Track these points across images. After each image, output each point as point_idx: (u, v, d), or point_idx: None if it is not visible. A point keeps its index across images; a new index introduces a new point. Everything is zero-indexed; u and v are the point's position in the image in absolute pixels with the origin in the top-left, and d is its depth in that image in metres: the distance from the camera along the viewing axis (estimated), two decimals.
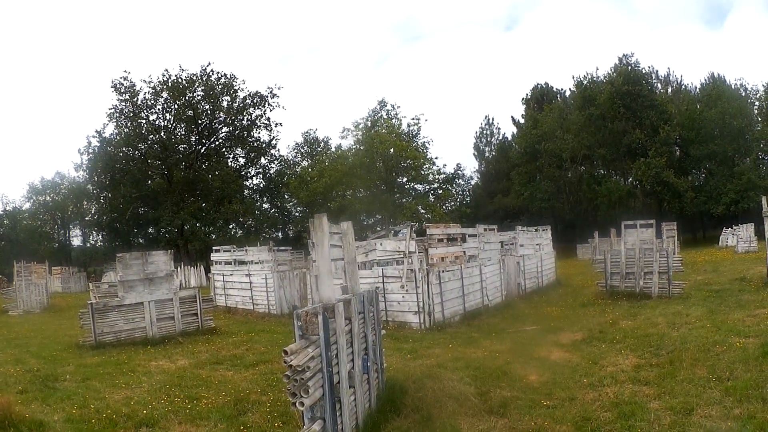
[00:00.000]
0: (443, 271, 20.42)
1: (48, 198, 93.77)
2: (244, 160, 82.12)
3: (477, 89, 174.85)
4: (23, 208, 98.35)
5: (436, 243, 20.77)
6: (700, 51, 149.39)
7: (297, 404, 6.30)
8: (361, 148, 68.69)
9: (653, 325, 15.59)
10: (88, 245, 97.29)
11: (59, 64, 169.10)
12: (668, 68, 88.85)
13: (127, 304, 19.28)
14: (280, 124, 76.58)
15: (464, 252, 22.55)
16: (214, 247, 34.39)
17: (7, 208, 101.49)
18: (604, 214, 70.62)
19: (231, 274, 30.86)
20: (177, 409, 10.28)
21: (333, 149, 78.26)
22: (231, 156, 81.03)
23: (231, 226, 79.05)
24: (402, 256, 20.15)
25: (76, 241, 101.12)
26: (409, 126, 71.51)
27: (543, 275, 30.63)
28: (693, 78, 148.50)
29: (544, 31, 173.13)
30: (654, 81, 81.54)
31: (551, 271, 32.69)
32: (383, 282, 20.65)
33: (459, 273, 21.42)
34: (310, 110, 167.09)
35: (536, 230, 31.55)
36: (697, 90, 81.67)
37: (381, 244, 21.12)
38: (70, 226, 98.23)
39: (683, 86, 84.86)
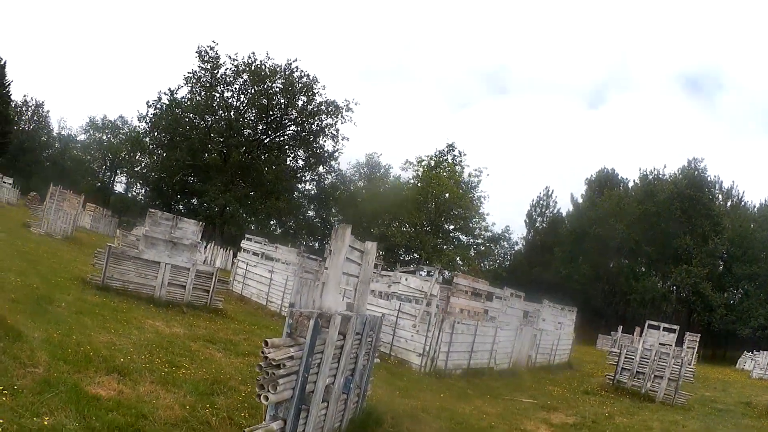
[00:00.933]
0: (458, 322, 20.30)
1: (104, 137, 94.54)
2: (303, 162, 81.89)
3: (546, 157, 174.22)
4: (78, 138, 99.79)
5: (460, 294, 20.70)
6: None
7: (261, 397, 6.32)
8: (419, 184, 69.03)
9: (647, 429, 15.32)
10: (130, 195, 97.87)
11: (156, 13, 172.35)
12: (732, 181, 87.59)
13: (144, 258, 19.12)
14: (347, 138, 77.03)
15: (485, 310, 22.44)
16: (247, 235, 34.51)
17: (62, 133, 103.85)
18: (633, 311, 69.47)
19: (255, 266, 30.78)
20: (154, 369, 10.24)
21: (392, 177, 78.25)
22: (291, 155, 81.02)
23: (272, 222, 79.14)
24: (422, 296, 20.10)
25: (119, 188, 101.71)
26: (470, 176, 71.58)
27: (556, 354, 30.25)
28: (754, 196, 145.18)
29: (626, 116, 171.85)
30: (716, 191, 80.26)
31: (565, 353, 32.28)
32: (397, 316, 20.66)
33: (473, 329, 21.29)
34: (379, 132, 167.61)
35: (562, 309, 31.25)
36: (756, 209, 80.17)
37: (406, 280, 21.14)
38: (117, 171, 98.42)
39: (743, 202, 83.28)
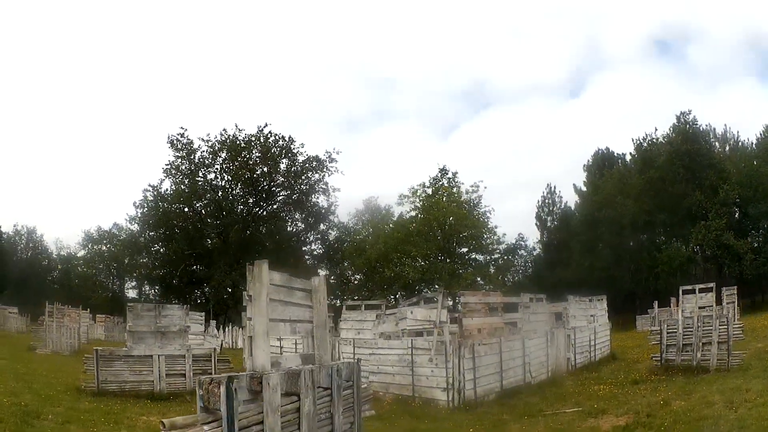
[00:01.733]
0: (478, 344, 18.43)
1: (104, 248, 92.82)
2: (303, 225, 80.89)
3: (541, 157, 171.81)
4: (78, 255, 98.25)
5: (472, 313, 18.84)
6: (756, 106, 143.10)
7: None
8: (420, 216, 67.37)
9: (709, 405, 13.27)
10: (142, 298, 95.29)
11: (121, 117, 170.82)
12: (725, 125, 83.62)
13: (135, 355, 18.29)
14: (338, 189, 75.96)
15: (507, 324, 20.57)
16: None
17: (62, 253, 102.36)
18: (664, 282, 66.52)
19: None
20: None
21: (395, 217, 76.23)
22: (289, 220, 79.95)
23: None
24: (433, 326, 18.25)
25: (132, 293, 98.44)
26: (467, 192, 69.81)
27: (596, 349, 28.03)
28: (749, 133, 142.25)
29: (607, 96, 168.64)
30: (712, 139, 78.23)
31: (605, 344, 30.11)
32: (412, 353, 18.81)
33: (497, 346, 19.35)
34: (374, 176, 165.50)
35: (590, 300, 29.19)
36: (754, 145, 77.62)
37: (412, 312, 19.35)
38: (126, 278, 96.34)
39: (740, 142, 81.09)
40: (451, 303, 19.18)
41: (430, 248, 65.59)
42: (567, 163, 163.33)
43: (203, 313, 48.95)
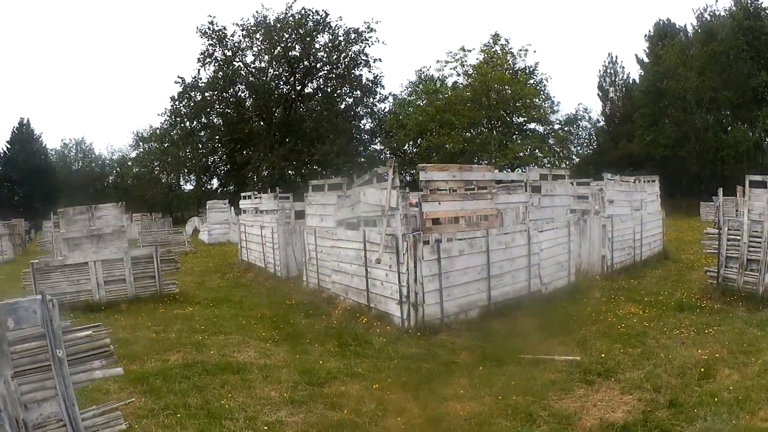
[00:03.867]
0: (448, 240, 13.01)
1: (154, 145, 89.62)
2: (351, 100, 74.98)
3: (599, 24, 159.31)
4: (131, 156, 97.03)
5: (440, 195, 13.45)
6: None
7: None
8: (464, 83, 60.80)
9: None
10: (204, 189, 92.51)
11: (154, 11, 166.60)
12: None
13: (70, 264, 16.45)
14: (380, 59, 69.37)
15: (499, 211, 15.00)
16: (242, 194, 29.24)
17: (114, 157, 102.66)
18: (731, 168, 59.50)
19: (251, 225, 25.84)
20: None
21: (449, 85, 68.90)
22: (337, 97, 73.99)
23: (323, 171, 71.71)
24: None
25: (189, 186, 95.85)
26: (516, 56, 62.52)
27: (642, 245, 22.06)
28: None
29: None
30: None
31: (656, 239, 23.92)
32: (365, 250, 13.67)
33: (482, 243, 13.84)
34: (414, 45, 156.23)
35: (635, 181, 23.01)
36: None
37: (364, 195, 13.96)
38: (179, 173, 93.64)
39: None
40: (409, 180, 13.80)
41: (476, 117, 59.23)
42: (627, 33, 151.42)
43: (226, 201, 45.17)
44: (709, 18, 68.87)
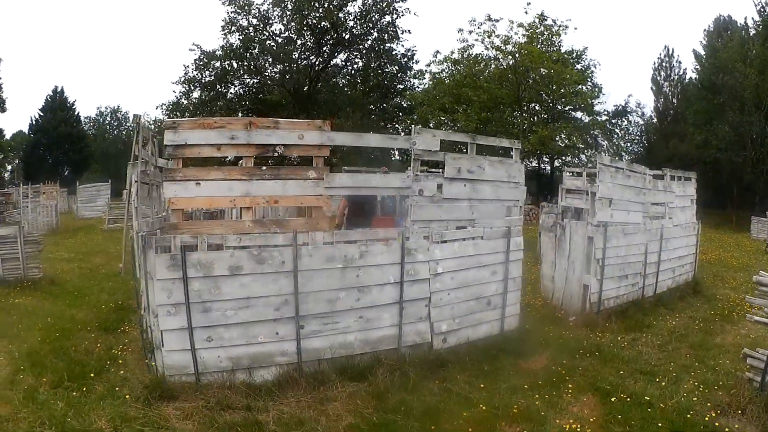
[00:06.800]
0: (212, 248, 7.41)
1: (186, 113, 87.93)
2: (384, 74, 68.02)
3: (656, 14, 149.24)
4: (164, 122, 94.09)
5: (205, 170, 7.53)
6: None
7: None
8: (492, 55, 53.42)
9: None
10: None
11: None
12: None
13: None
14: (409, 31, 62.77)
15: (331, 197, 7.68)
16: None
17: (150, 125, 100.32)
18: None
19: None
20: None
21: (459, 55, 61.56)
22: (369, 70, 67.47)
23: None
24: None
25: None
26: (560, 34, 54.81)
27: (659, 271, 14.08)
28: None
29: None
30: None
31: (684, 264, 15.72)
32: None
33: (285, 256, 7.55)
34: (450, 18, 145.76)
35: (654, 177, 14.69)
36: None
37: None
38: None
39: None
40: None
41: (501, 95, 51.39)
42: (685, 26, 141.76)
43: None
44: None
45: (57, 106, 79.94)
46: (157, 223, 7.95)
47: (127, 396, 6.90)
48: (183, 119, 8.62)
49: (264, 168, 7.49)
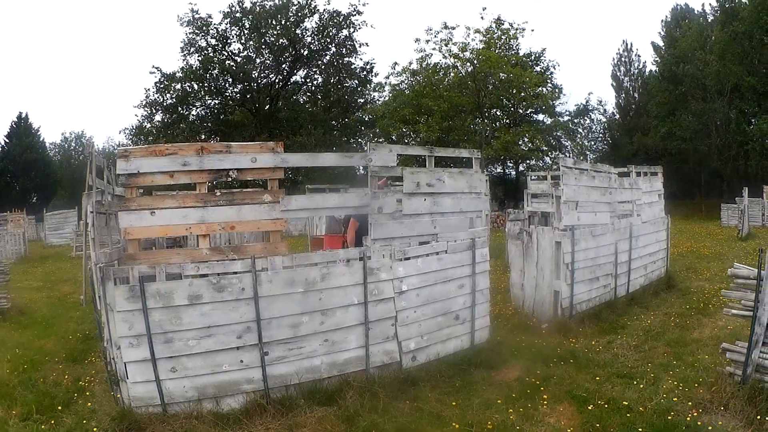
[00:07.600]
0: (170, 277, 7.23)
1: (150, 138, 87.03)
2: (344, 89, 67.77)
3: (612, 10, 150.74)
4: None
5: (160, 198, 7.22)
6: None
7: None
8: (450, 63, 53.33)
9: None
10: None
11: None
12: None
13: None
14: (366, 44, 61.89)
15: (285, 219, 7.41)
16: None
17: (112, 150, 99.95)
18: (756, 164, 52.04)
19: None
20: None
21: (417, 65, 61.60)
22: (329, 85, 67.26)
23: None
24: None
25: None
26: (517, 38, 55.01)
27: (631, 270, 14.00)
28: None
29: None
30: None
31: (656, 260, 15.70)
32: None
33: (245, 283, 7.28)
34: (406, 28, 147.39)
35: (619, 175, 14.36)
36: None
37: None
38: None
39: None
40: None
41: (461, 103, 51.41)
42: (642, 20, 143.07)
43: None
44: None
45: (22, 132, 79.87)
46: (115, 253, 7.62)
47: (95, 429, 6.76)
48: (135, 147, 8.69)
49: (218, 193, 7.27)
